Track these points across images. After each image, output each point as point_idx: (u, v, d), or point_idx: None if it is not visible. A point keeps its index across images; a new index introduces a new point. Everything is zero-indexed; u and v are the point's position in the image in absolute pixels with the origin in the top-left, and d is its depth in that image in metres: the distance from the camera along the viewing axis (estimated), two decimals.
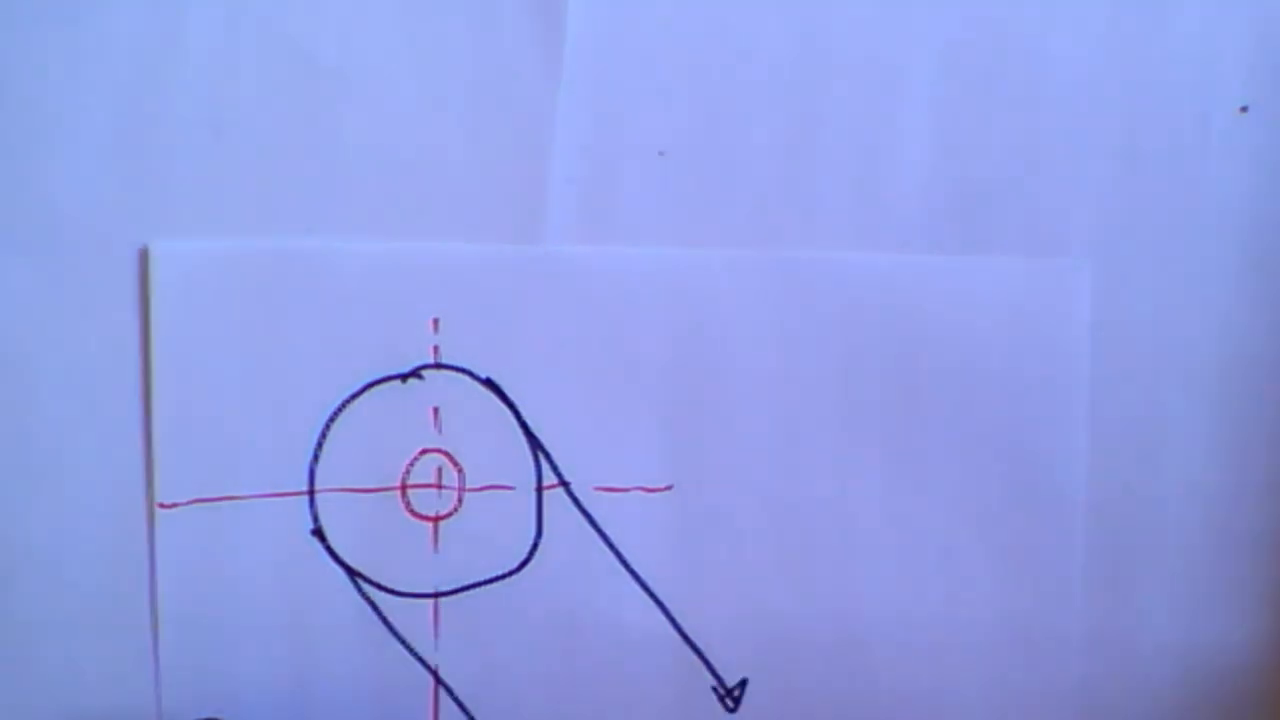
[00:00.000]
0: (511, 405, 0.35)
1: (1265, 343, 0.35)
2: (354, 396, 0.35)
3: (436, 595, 0.36)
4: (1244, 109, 0.35)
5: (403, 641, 0.36)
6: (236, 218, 0.35)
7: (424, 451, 0.35)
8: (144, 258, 0.35)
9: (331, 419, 0.35)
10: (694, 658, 0.36)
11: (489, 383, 0.35)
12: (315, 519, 0.35)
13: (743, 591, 0.36)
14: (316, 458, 0.35)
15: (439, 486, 0.35)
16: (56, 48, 0.34)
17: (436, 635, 0.36)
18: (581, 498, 0.36)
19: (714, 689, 0.36)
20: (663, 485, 0.36)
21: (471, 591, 0.36)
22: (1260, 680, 0.36)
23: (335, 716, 0.36)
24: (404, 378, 0.35)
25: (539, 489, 0.36)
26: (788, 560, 0.36)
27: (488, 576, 0.36)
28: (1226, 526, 0.36)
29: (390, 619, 0.36)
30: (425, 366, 0.35)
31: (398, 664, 0.36)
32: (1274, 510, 0.36)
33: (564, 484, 0.36)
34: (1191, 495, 0.36)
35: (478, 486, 0.36)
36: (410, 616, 0.36)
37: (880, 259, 0.35)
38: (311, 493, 0.35)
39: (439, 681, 0.36)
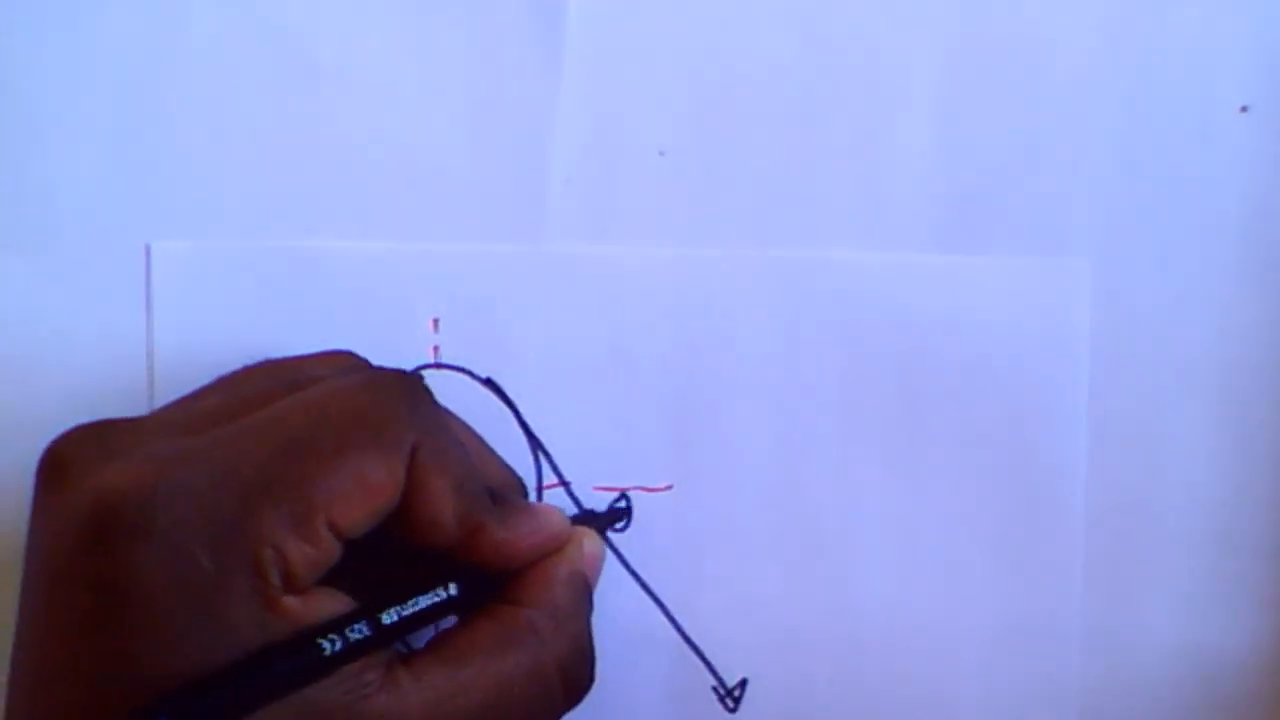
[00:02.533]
0: (511, 405, 0.36)
1: (1265, 343, 0.35)
2: None
3: None
4: (1244, 109, 0.35)
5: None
6: (236, 218, 0.35)
7: None
8: (145, 257, 0.35)
9: None
10: (694, 658, 0.36)
11: (489, 383, 0.35)
12: None
13: (743, 591, 0.36)
14: None
15: None
16: (56, 48, 0.34)
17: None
18: (581, 498, 0.36)
19: (714, 689, 0.36)
20: (663, 485, 0.36)
21: None
22: (1260, 680, 0.36)
23: None
24: None
25: (539, 489, 0.36)
26: (788, 560, 0.36)
27: None
28: (1226, 526, 0.36)
29: None
30: (425, 366, 0.35)
31: None
32: (1274, 510, 0.36)
33: (564, 484, 0.36)
34: (1191, 495, 0.36)
35: None
36: None
37: (880, 259, 0.35)
38: None
39: None
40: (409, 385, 0.30)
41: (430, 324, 0.35)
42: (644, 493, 0.36)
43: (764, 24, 0.35)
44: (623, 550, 0.36)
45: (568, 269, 0.35)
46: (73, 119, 0.35)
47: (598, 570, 0.33)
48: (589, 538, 0.33)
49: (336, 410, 0.29)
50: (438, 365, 0.35)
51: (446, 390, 0.35)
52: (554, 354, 0.35)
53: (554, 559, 0.31)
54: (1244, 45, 0.35)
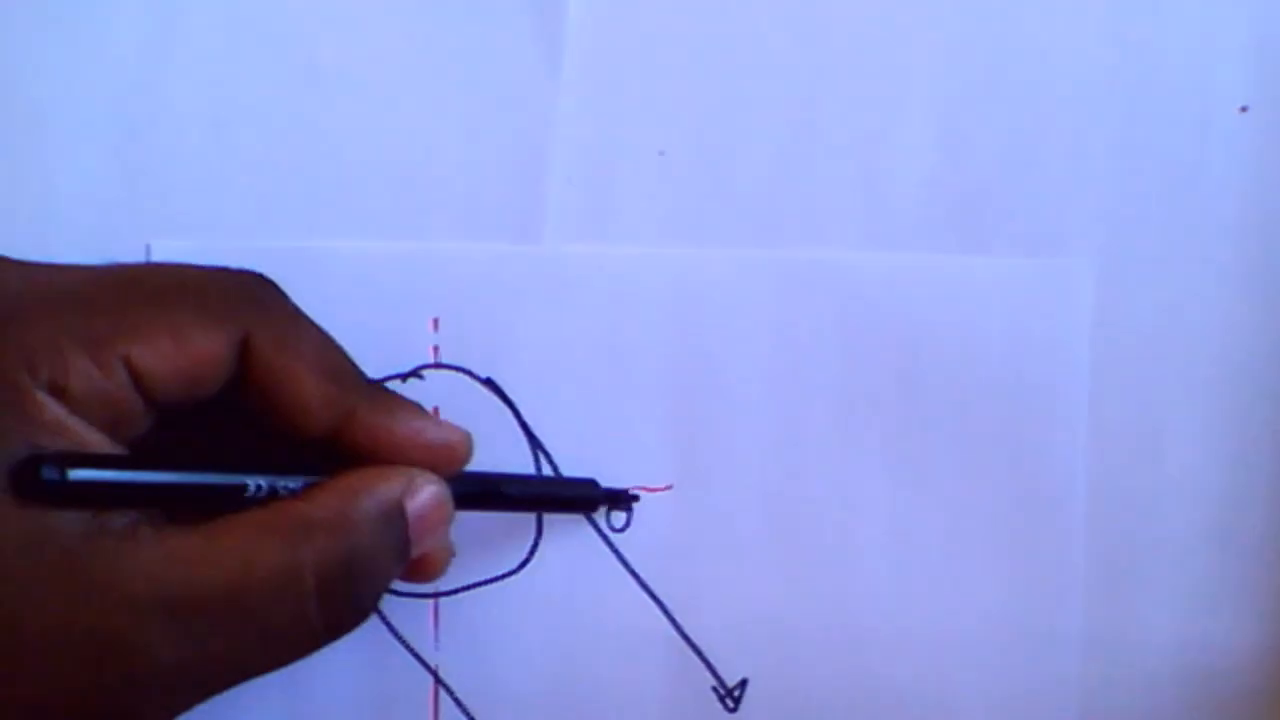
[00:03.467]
0: (511, 405, 0.36)
1: (1265, 343, 0.35)
2: None
3: (436, 595, 0.36)
4: (1244, 109, 0.35)
5: (403, 641, 0.36)
6: (236, 218, 0.35)
7: None
8: (145, 257, 0.35)
9: None
10: (694, 658, 0.36)
11: (489, 383, 0.35)
12: None
13: (743, 591, 0.36)
14: None
15: None
16: (56, 48, 0.34)
17: (436, 635, 0.36)
18: None
19: (714, 689, 0.36)
20: (663, 485, 0.36)
21: (471, 591, 0.36)
22: (1260, 680, 0.36)
23: (335, 716, 0.36)
24: (404, 378, 0.35)
25: None
26: (788, 560, 0.36)
27: (488, 576, 0.36)
28: (1226, 527, 0.36)
29: (390, 619, 0.36)
30: (425, 366, 0.35)
31: (398, 664, 0.36)
32: (1274, 511, 0.36)
33: None
34: (1191, 495, 0.35)
35: None
36: (410, 616, 0.36)
37: (880, 259, 0.35)
38: None
39: (439, 681, 0.36)
40: (254, 281, 0.30)
41: (430, 324, 0.35)
42: (644, 493, 0.36)
43: (764, 24, 0.35)
44: (623, 550, 0.36)
45: (568, 269, 0.35)
46: (73, 119, 0.35)
47: (431, 521, 0.30)
48: (436, 484, 0.30)
49: (172, 276, 0.29)
50: (438, 365, 0.35)
51: (446, 390, 0.35)
52: (554, 354, 0.35)
53: (371, 471, 0.29)
54: (1244, 45, 0.35)
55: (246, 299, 0.29)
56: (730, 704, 0.36)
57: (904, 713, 0.36)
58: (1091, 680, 0.36)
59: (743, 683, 0.36)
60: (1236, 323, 0.35)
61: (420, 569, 0.32)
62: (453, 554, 0.33)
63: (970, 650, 0.36)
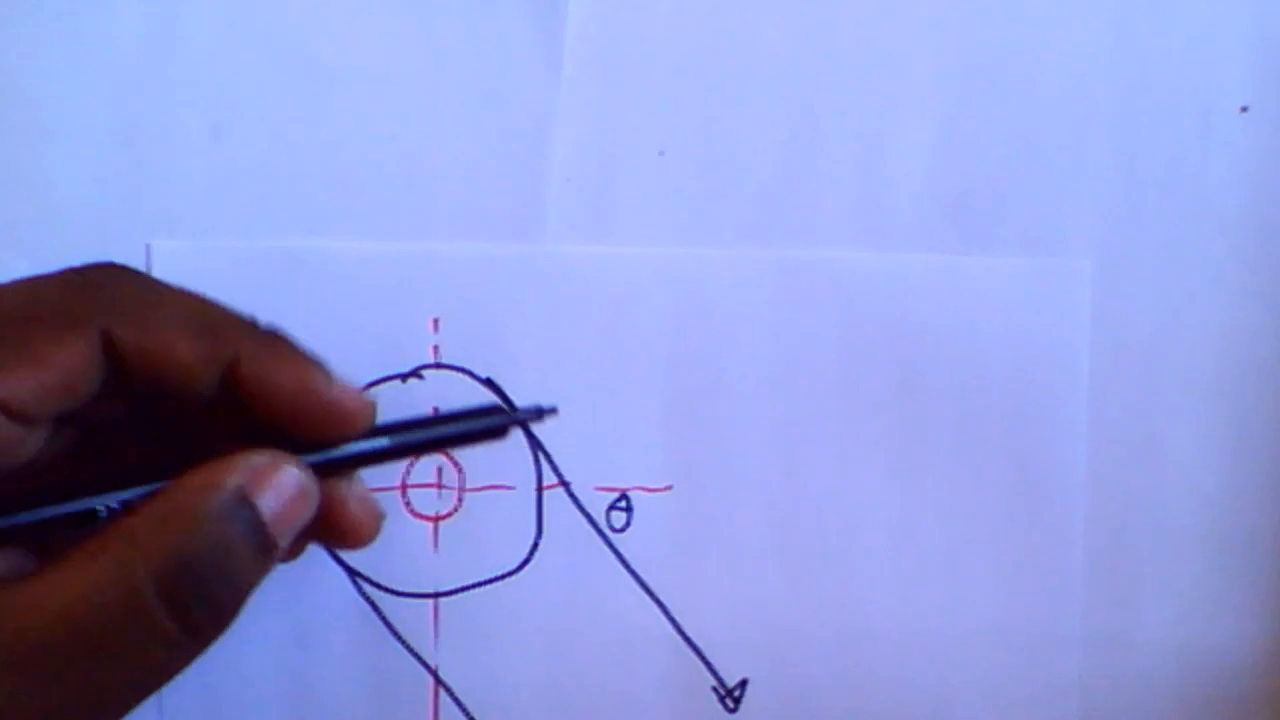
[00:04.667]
0: (511, 405, 0.35)
1: (1265, 343, 0.35)
2: None
3: (436, 595, 0.36)
4: (1244, 109, 0.35)
5: (403, 641, 0.36)
6: (236, 218, 0.35)
7: None
8: (145, 257, 0.35)
9: None
10: (694, 658, 0.36)
11: (489, 383, 0.36)
12: None
13: (743, 591, 0.36)
14: None
15: (439, 486, 0.35)
16: (57, 48, 0.34)
17: (436, 635, 0.36)
18: (581, 498, 0.36)
19: (714, 689, 0.36)
20: (663, 485, 0.36)
21: (471, 591, 0.36)
22: (1260, 680, 0.36)
23: (335, 716, 0.36)
24: (404, 378, 0.35)
25: (539, 489, 0.36)
26: (788, 560, 0.36)
27: (488, 576, 0.36)
28: (1226, 527, 0.36)
29: (390, 619, 0.36)
30: (425, 366, 0.35)
31: (398, 664, 0.36)
32: (1274, 510, 0.36)
33: (564, 484, 0.36)
34: (1191, 495, 0.36)
35: (478, 486, 0.36)
36: (410, 616, 0.36)
37: (880, 259, 0.35)
38: None
39: (439, 681, 0.36)
40: (101, 273, 0.29)
41: (430, 324, 0.35)
42: (644, 493, 0.36)
43: (764, 24, 0.35)
44: (623, 550, 0.36)
45: (568, 269, 0.35)
46: (73, 119, 0.35)
47: (290, 510, 0.28)
48: (292, 467, 0.28)
49: (16, 295, 0.28)
50: (438, 365, 0.35)
51: (446, 390, 0.35)
52: (554, 354, 0.35)
53: (207, 465, 0.27)
54: (1244, 45, 0.35)
55: (96, 295, 0.28)
56: (730, 704, 0.36)
57: (904, 713, 0.36)
58: (1091, 680, 0.36)
59: (743, 683, 0.36)
60: (1236, 323, 0.35)
61: (345, 535, 0.30)
62: (381, 515, 0.31)
63: (970, 650, 0.36)
